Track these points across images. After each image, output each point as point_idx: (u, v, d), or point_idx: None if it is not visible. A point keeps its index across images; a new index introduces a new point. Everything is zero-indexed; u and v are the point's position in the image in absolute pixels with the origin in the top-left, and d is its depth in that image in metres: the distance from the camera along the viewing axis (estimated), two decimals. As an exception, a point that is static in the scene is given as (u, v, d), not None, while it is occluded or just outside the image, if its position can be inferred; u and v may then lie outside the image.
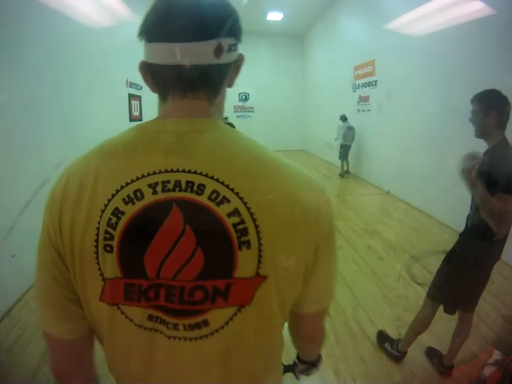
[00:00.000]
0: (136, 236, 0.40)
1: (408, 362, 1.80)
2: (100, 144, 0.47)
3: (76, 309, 0.47)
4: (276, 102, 11.16)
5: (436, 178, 4.10)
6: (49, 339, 0.54)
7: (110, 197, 0.40)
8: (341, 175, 6.84)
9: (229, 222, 0.39)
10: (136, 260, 0.40)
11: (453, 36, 3.70)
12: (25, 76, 2.72)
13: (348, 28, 7.31)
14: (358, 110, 6.69)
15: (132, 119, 5.68)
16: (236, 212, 0.39)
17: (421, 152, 4.41)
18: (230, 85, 0.55)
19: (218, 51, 0.44)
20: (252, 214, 0.40)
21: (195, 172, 0.40)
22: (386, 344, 1.87)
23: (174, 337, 0.43)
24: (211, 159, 0.42)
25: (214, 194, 0.39)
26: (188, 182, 0.39)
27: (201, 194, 0.39)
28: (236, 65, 0.53)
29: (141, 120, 6.25)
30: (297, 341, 0.68)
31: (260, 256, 0.40)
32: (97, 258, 0.41)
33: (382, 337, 1.94)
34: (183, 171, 0.40)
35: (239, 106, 11.39)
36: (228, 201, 0.39)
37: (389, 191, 5.43)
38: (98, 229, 0.40)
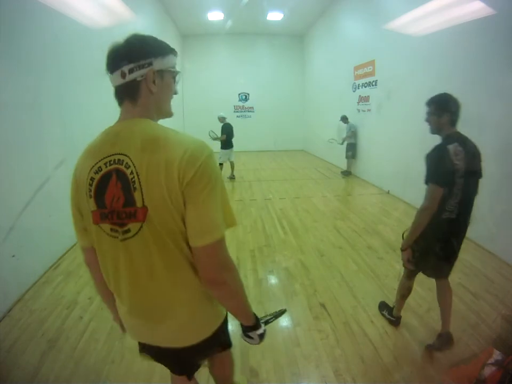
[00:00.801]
0: (100, 188, 0.77)
1: (409, 362, 1.80)
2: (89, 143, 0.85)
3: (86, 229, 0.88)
4: (276, 102, 11.17)
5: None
6: (82, 249, 0.96)
7: (88, 171, 0.79)
8: (345, 174, 6.92)
9: (130, 177, 0.73)
10: (101, 199, 0.78)
11: (453, 36, 3.71)
12: (26, 76, 2.72)
13: (348, 27, 7.31)
14: (358, 110, 6.69)
15: (131, 119, 5.69)
16: (132, 172, 0.73)
17: (421, 152, 4.38)
18: (153, 91, 0.80)
19: (122, 75, 0.77)
20: (137, 173, 0.72)
21: (120, 153, 0.75)
22: (385, 311, 2.19)
23: (120, 239, 0.78)
24: (127, 144, 0.75)
25: (125, 164, 0.74)
26: (117, 159, 0.75)
27: (121, 164, 0.74)
28: (147, 77, 0.78)
29: (141, 120, 6.23)
30: (214, 295, 0.86)
31: (142, 194, 0.72)
32: (87, 201, 0.80)
33: (382, 305, 2.25)
34: (116, 154, 0.76)
35: (239, 106, 11.39)
36: (129, 166, 0.73)
37: (389, 191, 5.43)
38: (86, 186, 0.79)
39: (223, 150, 6.32)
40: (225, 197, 0.79)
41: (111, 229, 0.79)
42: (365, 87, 6.41)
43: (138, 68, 0.76)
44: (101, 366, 1.79)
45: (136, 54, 0.76)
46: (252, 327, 0.95)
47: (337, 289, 2.53)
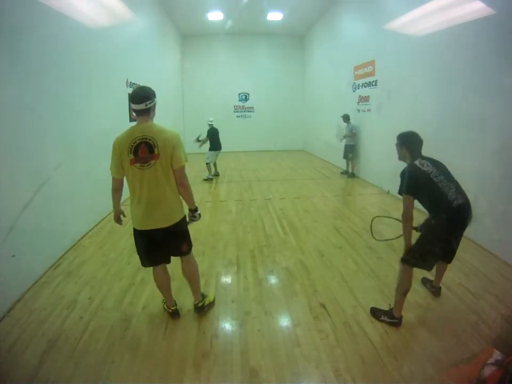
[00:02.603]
0: (136, 148, 1.79)
1: (409, 362, 1.80)
2: (126, 130, 1.87)
3: (122, 169, 1.84)
4: (276, 102, 11.17)
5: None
6: (115, 179, 1.91)
7: (129, 142, 1.79)
8: (346, 174, 6.92)
9: (151, 143, 1.78)
10: (136, 153, 1.79)
11: (453, 36, 3.71)
12: (26, 76, 2.72)
13: (348, 28, 7.31)
14: (358, 110, 6.69)
15: (131, 119, 5.67)
16: (153, 141, 1.79)
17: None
18: (153, 111, 1.89)
19: (145, 105, 1.81)
20: (156, 141, 1.79)
21: (145, 135, 1.80)
22: (383, 317, 2.14)
23: (144, 169, 1.80)
24: (148, 131, 1.80)
25: (149, 138, 1.79)
26: (144, 137, 1.80)
27: (146, 139, 1.79)
28: (153, 106, 1.86)
29: (141, 120, 6.25)
30: (180, 192, 1.94)
31: (157, 150, 1.78)
32: (128, 155, 1.79)
33: (377, 312, 2.18)
34: (143, 135, 1.80)
35: (239, 106, 11.40)
36: (151, 139, 1.79)
37: (389, 191, 5.43)
38: (128, 148, 1.79)
39: (210, 152, 6.71)
40: (184, 150, 1.89)
41: (140, 165, 1.79)
42: (365, 87, 6.41)
43: (151, 102, 1.83)
44: (101, 366, 1.79)
45: (149, 96, 1.83)
46: (195, 209, 2.07)
47: (337, 289, 2.53)
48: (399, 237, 2.14)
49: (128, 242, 3.50)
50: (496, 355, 1.55)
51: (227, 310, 2.31)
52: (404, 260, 2.04)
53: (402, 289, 2.06)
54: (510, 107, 2.97)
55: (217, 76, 10.91)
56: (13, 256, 2.41)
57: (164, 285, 2.16)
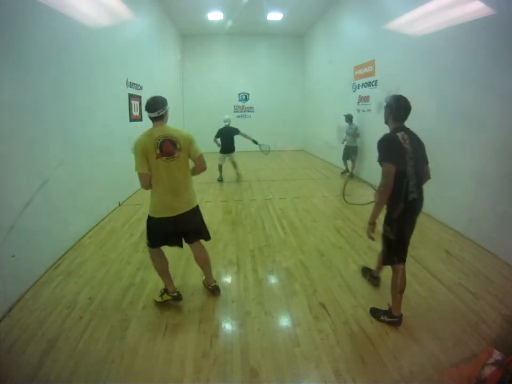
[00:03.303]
0: (161, 145, 2.06)
1: (408, 362, 1.80)
2: (145, 131, 2.12)
3: (148, 164, 2.06)
4: (276, 102, 11.16)
5: (435, 178, 4.09)
6: (142, 175, 2.08)
7: (154, 140, 2.05)
8: (346, 174, 6.87)
9: (174, 140, 2.10)
10: (162, 149, 2.06)
11: (453, 36, 3.70)
12: (26, 76, 2.72)
13: (348, 27, 7.31)
14: (358, 110, 6.69)
15: (131, 119, 5.68)
16: (175, 139, 2.10)
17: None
18: (167, 117, 2.18)
19: (158, 113, 2.09)
20: (177, 139, 2.11)
21: (166, 134, 2.09)
22: (383, 317, 2.15)
23: (169, 161, 2.10)
24: (168, 131, 2.11)
25: (171, 136, 2.10)
26: (166, 135, 2.09)
27: (168, 137, 2.09)
28: (165, 112, 2.14)
29: (140, 120, 6.24)
30: (197, 172, 2.31)
31: (180, 145, 2.11)
32: (154, 150, 2.05)
33: (376, 312, 2.19)
34: (164, 135, 2.09)
35: (239, 106, 11.39)
36: (173, 137, 2.10)
37: (389, 191, 5.42)
38: (153, 145, 2.05)
39: (219, 154, 6.57)
40: (198, 146, 2.20)
41: (166, 158, 2.06)
42: (365, 87, 6.41)
43: (163, 110, 2.11)
44: (101, 366, 1.79)
45: (162, 104, 2.11)
46: None
47: (337, 289, 2.53)
48: (370, 203, 2.15)
49: (128, 242, 3.50)
50: (496, 355, 1.55)
51: (227, 310, 2.31)
52: (389, 262, 2.11)
53: (398, 288, 2.07)
54: (509, 107, 2.97)
55: (217, 75, 10.90)
56: (13, 256, 2.41)
57: (166, 269, 2.36)
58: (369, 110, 6.26)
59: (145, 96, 6.34)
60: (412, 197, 1.94)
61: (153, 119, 2.11)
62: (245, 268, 2.92)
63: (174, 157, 2.08)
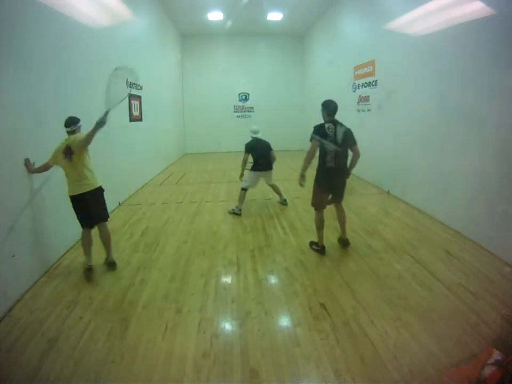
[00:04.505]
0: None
1: (408, 362, 1.80)
2: None
3: None
4: (276, 102, 11.15)
5: (436, 178, 4.10)
6: None
7: None
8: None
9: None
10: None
11: (453, 36, 3.70)
12: (26, 76, 2.72)
13: (348, 27, 7.30)
14: (358, 110, 6.69)
15: (131, 119, 5.68)
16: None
17: (420, 152, 4.42)
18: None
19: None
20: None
21: None
22: (313, 246, 3.24)
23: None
24: None
25: None
26: None
27: None
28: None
29: (140, 120, 6.24)
30: None
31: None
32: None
33: (312, 244, 3.27)
34: None
35: (239, 106, 11.39)
36: None
37: (389, 191, 5.42)
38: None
39: (249, 172, 4.60)
40: None
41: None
42: (365, 87, 6.40)
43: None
44: (101, 366, 1.79)
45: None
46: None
47: (337, 289, 2.53)
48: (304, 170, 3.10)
49: (128, 242, 3.50)
50: (496, 355, 1.55)
51: (227, 310, 2.31)
52: (313, 205, 3.18)
53: (316, 225, 3.16)
54: (509, 107, 2.97)
55: (217, 75, 10.90)
56: (13, 256, 2.41)
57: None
58: (369, 110, 6.26)
59: (145, 96, 6.36)
60: (329, 165, 2.96)
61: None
62: (245, 268, 2.92)
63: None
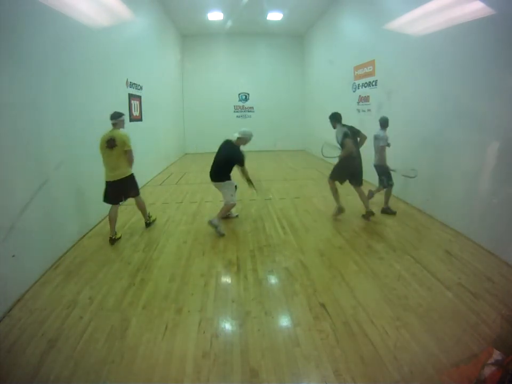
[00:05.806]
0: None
1: (408, 362, 1.80)
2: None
3: None
4: (276, 102, 11.15)
5: (436, 178, 4.10)
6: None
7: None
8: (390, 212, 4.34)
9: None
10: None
11: (452, 36, 3.70)
12: (26, 76, 2.72)
13: (348, 27, 7.30)
14: (358, 110, 6.69)
15: (131, 119, 5.68)
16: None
17: (420, 152, 4.42)
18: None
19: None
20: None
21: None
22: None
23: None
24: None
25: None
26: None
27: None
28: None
29: (141, 120, 6.24)
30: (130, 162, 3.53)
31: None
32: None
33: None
34: None
35: (239, 106, 11.39)
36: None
37: (389, 191, 5.42)
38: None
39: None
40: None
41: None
42: (365, 87, 6.41)
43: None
44: (101, 366, 1.79)
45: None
46: None
47: (337, 289, 2.53)
48: (338, 156, 3.97)
49: (128, 242, 3.50)
50: (496, 355, 1.55)
51: (227, 310, 2.31)
52: (331, 177, 4.13)
53: (332, 192, 4.12)
54: (509, 107, 2.97)
55: (217, 75, 10.90)
56: (13, 256, 2.41)
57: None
58: (369, 110, 6.26)
59: (145, 96, 6.36)
60: (354, 155, 3.82)
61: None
62: (245, 268, 2.92)
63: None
